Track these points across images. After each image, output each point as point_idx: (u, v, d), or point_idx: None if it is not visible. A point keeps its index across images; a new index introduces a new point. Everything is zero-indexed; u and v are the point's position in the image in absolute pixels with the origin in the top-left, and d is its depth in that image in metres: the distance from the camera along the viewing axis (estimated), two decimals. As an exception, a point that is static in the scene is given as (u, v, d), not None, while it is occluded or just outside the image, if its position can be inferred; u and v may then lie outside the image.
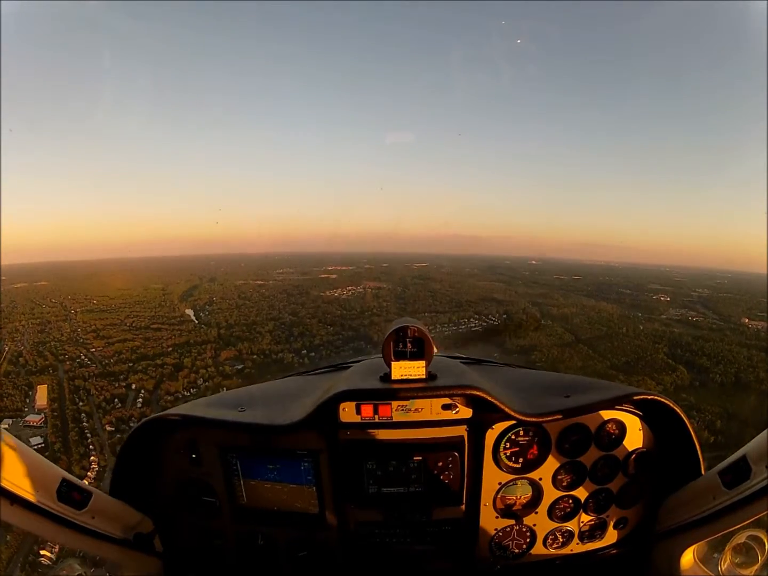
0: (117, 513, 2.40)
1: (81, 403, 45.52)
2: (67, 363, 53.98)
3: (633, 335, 68.34)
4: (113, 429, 40.90)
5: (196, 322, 69.11)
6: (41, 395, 46.72)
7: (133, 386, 48.39)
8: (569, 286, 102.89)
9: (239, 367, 51.96)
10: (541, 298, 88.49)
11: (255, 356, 55.48)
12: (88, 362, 54.66)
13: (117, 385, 48.73)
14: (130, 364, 53.07)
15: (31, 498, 1.82)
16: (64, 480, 2.01)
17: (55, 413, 44.10)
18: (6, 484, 1.72)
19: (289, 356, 55.09)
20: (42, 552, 21.34)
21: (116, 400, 45.80)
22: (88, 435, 40.73)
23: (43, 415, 43.57)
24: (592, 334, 70.10)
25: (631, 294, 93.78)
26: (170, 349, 57.51)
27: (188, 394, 45.51)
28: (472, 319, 73.07)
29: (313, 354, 55.88)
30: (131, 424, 41.59)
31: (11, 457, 1.76)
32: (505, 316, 75.88)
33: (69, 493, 2.02)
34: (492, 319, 74.26)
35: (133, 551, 2.46)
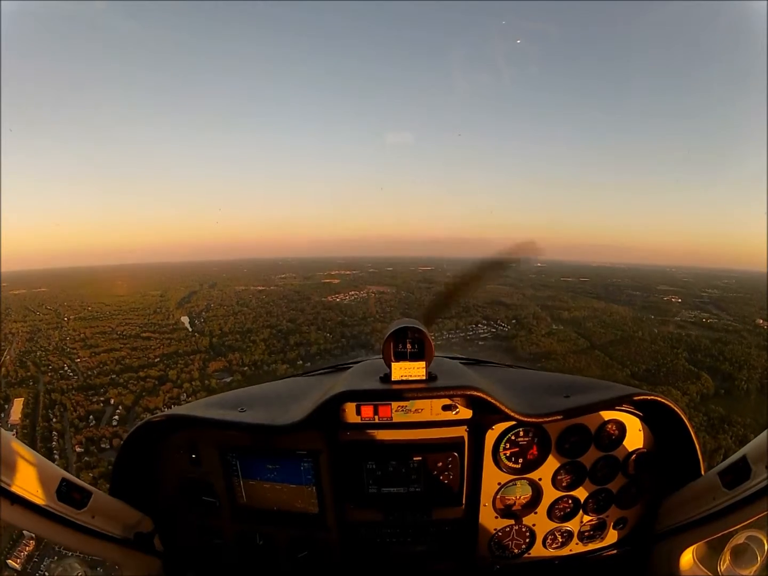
0: (117, 512, 2.32)
1: (54, 420, 40.93)
2: (49, 374, 49.36)
3: (649, 339, 63.78)
4: (82, 450, 36.40)
5: (190, 329, 64.18)
6: (16, 409, 42.03)
7: (112, 401, 43.55)
8: (577, 288, 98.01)
9: (227, 380, 46.46)
10: (550, 300, 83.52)
11: (246, 368, 50.29)
12: (71, 374, 50.07)
13: (95, 399, 43.94)
14: (113, 376, 48.38)
15: (31, 498, 1.78)
16: (63, 479, 1.95)
17: (26, 430, 39.26)
18: (6, 484, 1.68)
19: (282, 367, 49.95)
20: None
21: (91, 417, 41.05)
22: (56, 456, 36.01)
23: (14, 431, 38.14)
24: (607, 339, 65.17)
25: (640, 296, 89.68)
26: (157, 359, 52.72)
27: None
28: (480, 325, 67.66)
29: (308, 365, 50.19)
30: (102, 446, 37.76)
31: (11, 457, 1.73)
32: (514, 320, 70.48)
33: (69, 493, 1.96)
34: (501, 325, 68.78)
35: (133, 551, 2.39)
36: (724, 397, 47.84)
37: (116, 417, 40.96)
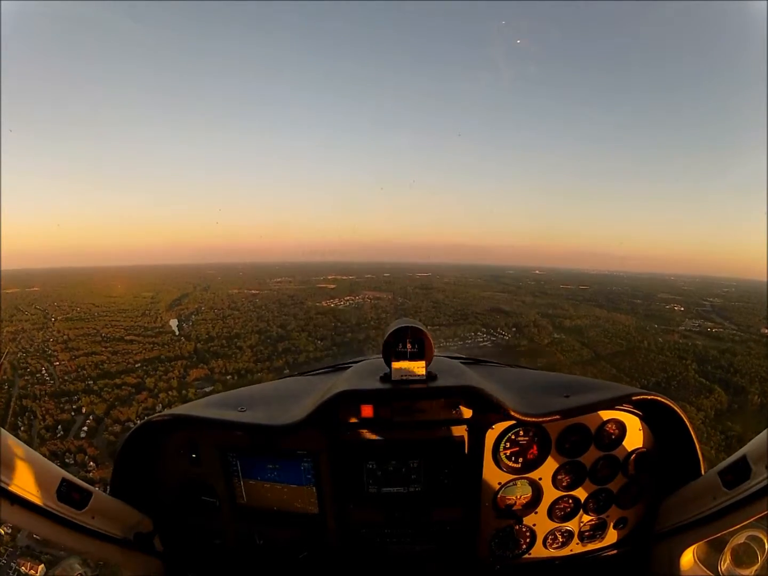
0: (117, 513, 2.27)
1: (22, 428, 37.41)
2: (25, 378, 45.79)
3: (656, 350, 60.77)
4: (45, 465, 32.21)
5: (177, 333, 60.46)
6: (-16, 416, 38.77)
7: (84, 410, 39.94)
8: (577, 295, 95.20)
9: (207, 389, 42.20)
10: (551, 308, 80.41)
11: (228, 376, 46.36)
12: (47, 378, 46.42)
13: (66, 407, 40.40)
14: (89, 382, 44.72)
15: (31, 498, 1.74)
16: (64, 480, 1.90)
17: (-11, 441, 35.31)
18: (6, 484, 1.65)
19: (268, 377, 45.52)
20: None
21: (59, 427, 37.61)
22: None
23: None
24: (612, 349, 61.99)
25: (642, 304, 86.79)
26: (137, 365, 48.89)
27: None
28: (479, 333, 63.87)
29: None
30: (66, 461, 33.86)
31: (11, 457, 1.69)
32: (514, 329, 66.80)
33: (69, 493, 1.91)
34: (501, 333, 64.99)
35: (133, 551, 2.33)
36: (738, 412, 44.77)
37: (85, 428, 37.33)
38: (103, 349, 53.01)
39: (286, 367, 49.10)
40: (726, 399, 46.67)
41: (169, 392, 42.20)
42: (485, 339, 62.61)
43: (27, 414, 39.17)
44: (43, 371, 47.50)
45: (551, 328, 69.28)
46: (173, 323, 64.45)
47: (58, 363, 49.51)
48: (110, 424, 37.19)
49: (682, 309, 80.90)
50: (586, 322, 72.65)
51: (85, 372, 46.98)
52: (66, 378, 46.01)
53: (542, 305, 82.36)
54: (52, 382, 45.52)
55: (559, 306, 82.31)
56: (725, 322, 72.69)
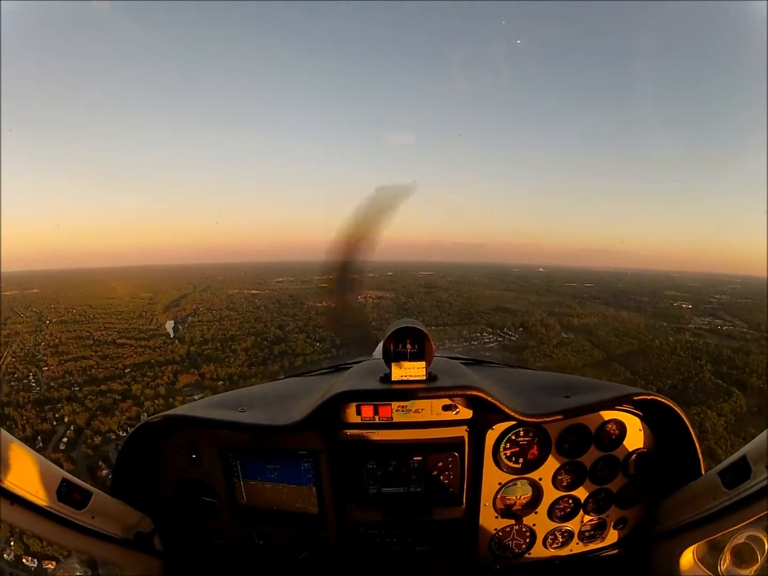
0: (117, 513, 2.27)
1: None
2: (12, 384, 43.19)
3: (668, 349, 57.38)
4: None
5: (172, 335, 57.52)
6: (-36, 425, 35.64)
7: (66, 419, 37.13)
8: (583, 294, 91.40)
9: (196, 397, 39.03)
10: (557, 307, 76.85)
11: (220, 382, 43.13)
12: (33, 384, 43.65)
13: (49, 416, 37.67)
14: (75, 389, 41.96)
15: (31, 498, 1.75)
16: (64, 480, 1.91)
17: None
18: (6, 484, 1.66)
19: (260, 383, 42.34)
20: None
21: (39, 438, 34.74)
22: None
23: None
24: (623, 349, 58.75)
25: (650, 302, 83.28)
26: (126, 370, 45.99)
27: (123, 434, 33.38)
28: (485, 333, 60.69)
29: (286, 380, 43.18)
30: None
31: (11, 457, 1.70)
32: (521, 328, 63.64)
33: (69, 493, 1.92)
34: (508, 333, 61.79)
35: (133, 551, 2.33)
36: (758, 416, 41.63)
37: (65, 440, 34.51)
38: (93, 353, 50.15)
39: (282, 372, 45.67)
40: (745, 402, 43.50)
41: (156, 400, 39.10)
42: (491, 339, 59.56)
43: (7, 423, 35.78)
44: (30, 377, 44.73)
45: (559, 327, 66.03)
46: (169, 325, 61.48)
47: (46, 368, 46.70)
48: (90, 436, 34.35)
49: (690, 306, 77.87)
50: (594, 320, 69.50)
51: (71, 378, 44.17)
52: (52, 384, 43.22)
53: (548, 303, 79.02)
54: (37, 388, 42.81)
55: (565, 304, 78.95)
56: (735, 319, 69.47)
